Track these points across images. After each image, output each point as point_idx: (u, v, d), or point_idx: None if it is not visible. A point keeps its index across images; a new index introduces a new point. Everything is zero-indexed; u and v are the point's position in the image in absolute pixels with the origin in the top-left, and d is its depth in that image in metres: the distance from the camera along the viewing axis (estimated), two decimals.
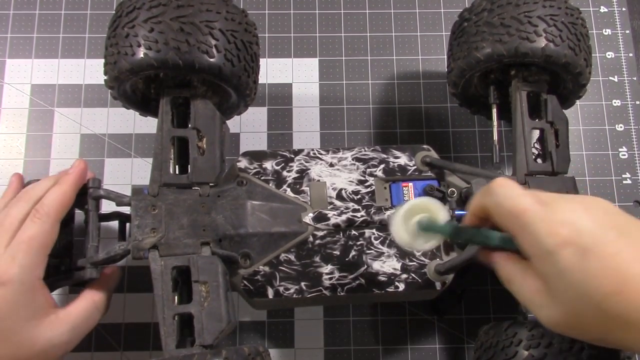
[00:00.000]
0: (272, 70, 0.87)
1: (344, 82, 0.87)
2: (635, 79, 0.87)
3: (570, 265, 0.47)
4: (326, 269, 0.65)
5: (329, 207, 0.67)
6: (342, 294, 0.65)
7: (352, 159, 0.69)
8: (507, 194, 0.52)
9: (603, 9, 0.90)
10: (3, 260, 0.57)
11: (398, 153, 0.70)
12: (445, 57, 0.85)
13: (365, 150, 0.70)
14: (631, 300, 0.46)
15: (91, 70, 0.85)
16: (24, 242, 0.58)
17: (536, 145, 0.70)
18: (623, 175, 0.83)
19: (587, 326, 0.48)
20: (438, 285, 0.65)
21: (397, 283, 0.65)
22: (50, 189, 0.62)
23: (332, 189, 0.68)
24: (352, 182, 0.68)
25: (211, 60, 0.62)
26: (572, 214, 0.48)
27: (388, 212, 0.67)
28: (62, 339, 0.60)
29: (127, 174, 0.82)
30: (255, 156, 0.69)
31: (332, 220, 0.66)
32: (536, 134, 0.70)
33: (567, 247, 0.47)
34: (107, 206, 0.66)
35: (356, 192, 0.68)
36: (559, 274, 0.48)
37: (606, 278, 0.46)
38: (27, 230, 0.59)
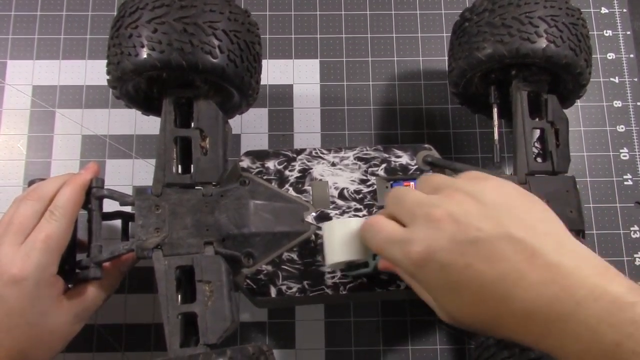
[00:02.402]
0: (273, 72, 0.87)
1: (345, 83, 0.87)
2: (636, 80, 0.87)
3: (435, 281, 0.50)
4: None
5: (331, 207, 0.67)
6: (344, 292, 0.65)
7: (354, 159, 0.69)
8: (367, 237, 0.56)
9: (604, 10, 0.91)
10: (18, 257, 0.58)
11: (400, 152, 0.70)
12: (446, 57, 0.86)
13: (367, 150, 0.70)
14: (490, 308, 0.48)
15: (92, 71, 0.86)
16: (40, 240, 0.59)
17: (536, 144, 0.71)
18: (624, 176, 0.83)
19: (472, 327, 0.51)
20: None
21: (398, 282, 0.65)
22: (63, 189, 0.62)
23: (334, 188, 0.68)
24: (354, 181, 0.68)
25: (214, 60, 0.63)
26: (425, 231, 0.50)
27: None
28: (68, 326, 0.62)
29: (128, 175, 0.82)
30: (258, 156, 0.69)
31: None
32: (536, 133, 0.71)
33: (427, 266, 0.50)
34: (108, 206, 0.66)
35: (358, 192, 0.68)
36: (430, 289, 0.51)
37: (465, 290, 0.48)
38: (44, 230, 0.60)
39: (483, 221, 0.48)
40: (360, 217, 0.67)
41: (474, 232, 0.48)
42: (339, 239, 0.60)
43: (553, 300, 0.45)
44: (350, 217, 0.66)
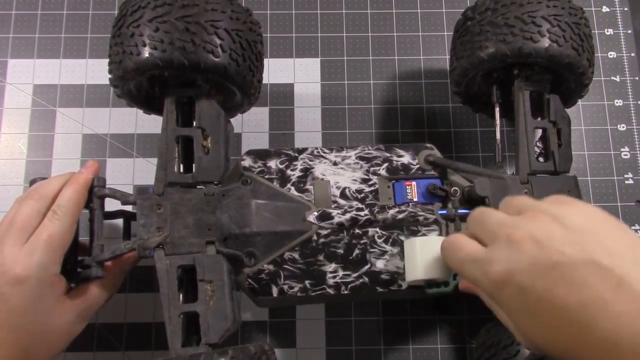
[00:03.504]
0: (274, 70, 0.87)
1: (346, 82, 0.87)
2: (637, 78, 0.87)
3: (513, 304, 0.49)
4: (330, 267, 0.65)
5: (332, 206, 0.67)
6: (345, 292, 0.65)
7: (356, 158, 0.69)
8: (447, 255, 0.55)
9: (605, 9, 0.91)
10: (21, 257, 0.58)
11: (401, 152, 0.70)
12: (448, 56, 0.86)
13: (368, 149, 0.70)
14: (571, 335, 0.46)
15: (93, 70, 0.85)
16: (43, 240, 0.59)
17: (538, 144, 0.71)
18: (625, 175, 0.83)
19: (551, 353, 0.49)
20: None
21: (400, 281, 0.65)
22: (65, 189, 0.63)
23: (336, 187, 0.68)
24: (356, 180, 0.68)
25: (216, 60, 0.63)
26: (505, 251, 0.48)
27: (391, 212, 0.67)
28: (70, 326, 0.62)
29: (129, 174, 0.82)
30: (260, 155, 0.69)
31: (336, 219, 0.66)
32: (538, 132, 0.71)
33: (506, 287, 0.48)
34: (110, 205, 0.66)
35: (360, 191, 0.68)
36: (509, 311, 0.50)
37: (544, 315, 0.47)
38: (47, 229, 0.60)
39: (566, 245, 0.46)
40: (363, 217, 0.67)
41: (556, 256, 0.46)
42: (420, 256, 0.60)
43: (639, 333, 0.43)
44: (352, 216, 0.66)
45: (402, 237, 0.66)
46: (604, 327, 0.44)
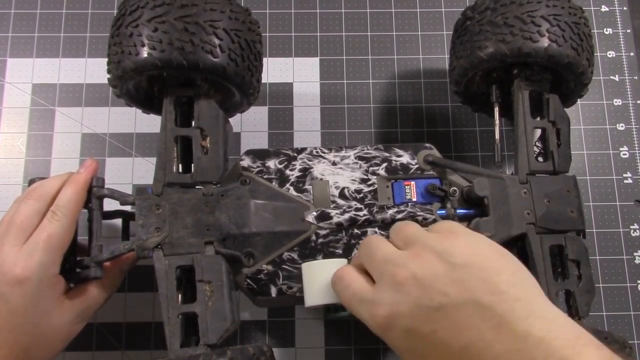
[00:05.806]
0: (273, 70, 0.87)
1: (345, 81, 0.87)
2: (636, 78, 0.87)
3: (400, 345, 0.49)
4: None
5: (331, 206, 0.67)
6: None
7: (355, 158, 0.69)
8: (336, 290, 0.55)
9: (604, 8, 0.90)
10: (21, 257, 0.58)
11: (400, 152, 0.70)
12: (447, 55, 0.85)
13: (367, 149, 0.70)
14: None
15: (92, 70, 0.85)
16: (43, 240, 0.59)
17: (537, 144, 0.70)
18: (624, 175, 0.83)
19: None
20: None
21: None
22: (65, 189, 0.62)
23: (335, 187, 0.68)
24: (355, 180, 0.68)
25: (215, 60, 0.62)
26: (389, 293, 0.49)
27: (390, 212, 0.67)
28: (70, 326, 0.62)
29: (128, 174, 0.82)
30: (258, 155, 0.69)
31: (335, 219, 0.66)
32: (537, 132, 0.71)
33: (392, 329, 0.48)
34: (109, 205, 0.66)
35: (359, 191, 0.68)
36: (397, 350, 0.50)
37: (430, 356, 0.47)
38: (46, 230, 0.60)
39: (449, 285, 0.47)
40: (362, 217, 0.67)
41: (439, 298, 0.46)
42: (318, 281, 0.59)
43: None
44: (351, 216, 0.66)
45: None
46: None
